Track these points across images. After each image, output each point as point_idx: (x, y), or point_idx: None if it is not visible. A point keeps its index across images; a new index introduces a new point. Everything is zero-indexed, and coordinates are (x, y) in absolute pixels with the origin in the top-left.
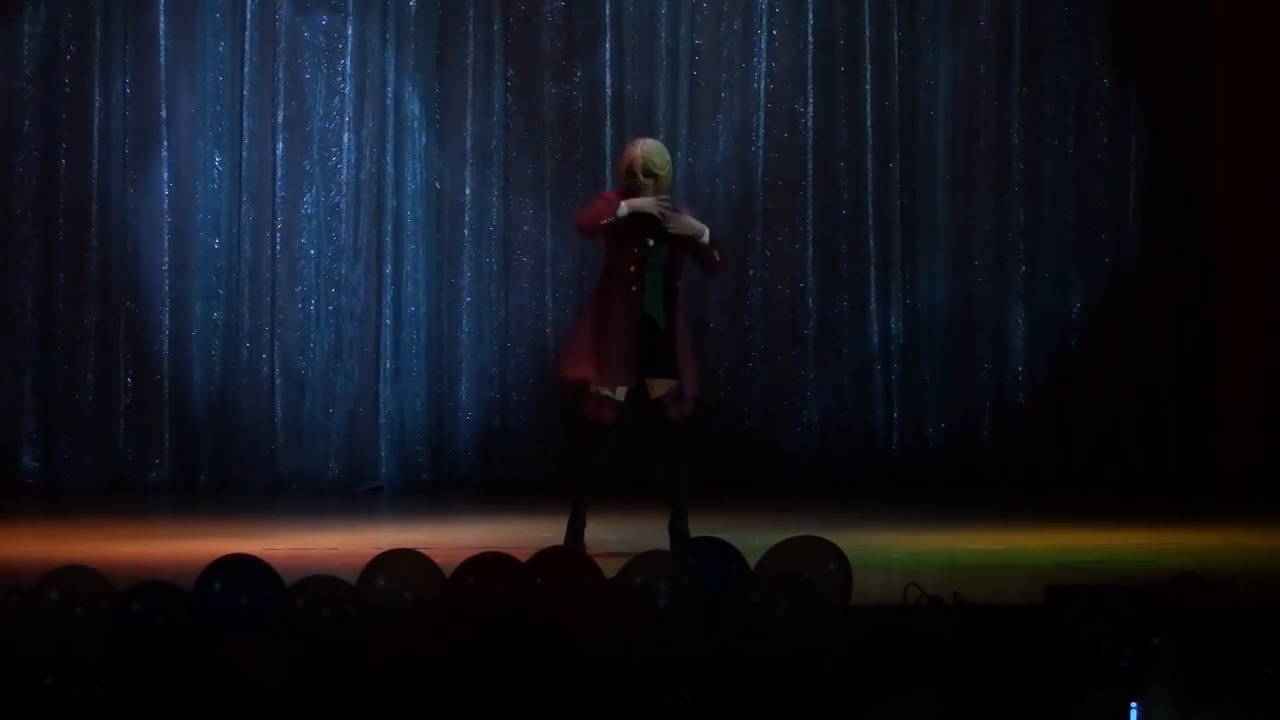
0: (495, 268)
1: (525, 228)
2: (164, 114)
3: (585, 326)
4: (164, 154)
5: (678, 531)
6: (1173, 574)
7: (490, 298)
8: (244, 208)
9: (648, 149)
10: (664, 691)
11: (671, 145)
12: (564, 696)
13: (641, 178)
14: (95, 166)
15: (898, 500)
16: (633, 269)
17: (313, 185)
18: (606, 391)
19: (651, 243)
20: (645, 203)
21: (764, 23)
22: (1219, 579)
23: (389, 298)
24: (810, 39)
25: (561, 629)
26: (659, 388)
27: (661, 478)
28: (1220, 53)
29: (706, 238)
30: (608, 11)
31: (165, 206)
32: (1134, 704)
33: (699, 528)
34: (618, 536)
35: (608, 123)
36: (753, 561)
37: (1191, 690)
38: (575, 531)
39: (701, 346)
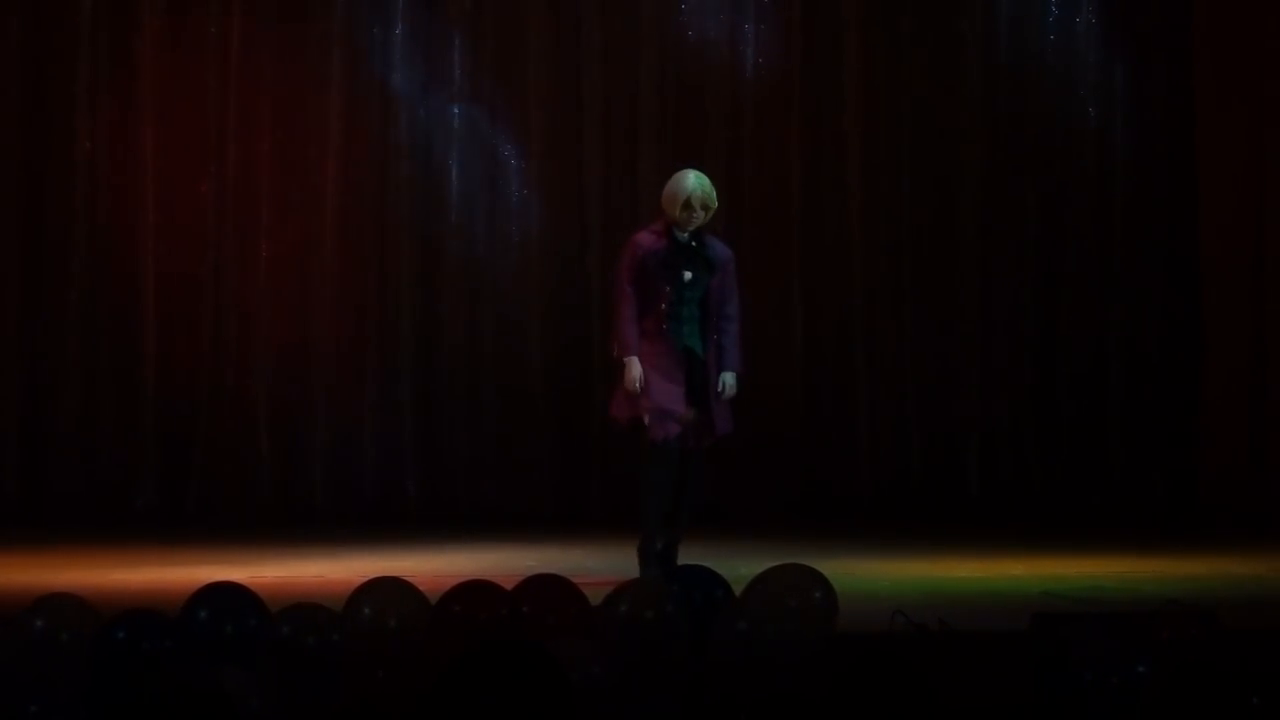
0: (482, 295)
1: (512, 255)
2: (150, 142)
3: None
4: (149, 182)
5: (666, 561)
6: (1158, 602)
7: (478, 326)
8: (229, 236)
9: (703, 181)
10: (649, 718)
11: (655, 175)
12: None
13: (698, 210)
14: (80, 194)
15: (883, 528)
16: (664, 306)
17: (299, 214)
18: (669, 408)
19: (689, 276)
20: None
21: (750, 52)
22: (1204, 607)
23: (375, 325)
24: (796, 67)
25: (546, 654)
26: (687, 416)
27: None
28: (1205, 88)
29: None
30: (595, 41)
31: (151, 234)
32: None
33: (682, 556)
34: (603, 564)
35: (596, 151)
36: (738, 589)
37: (1177, 716)
38: (649, 556)
39: None
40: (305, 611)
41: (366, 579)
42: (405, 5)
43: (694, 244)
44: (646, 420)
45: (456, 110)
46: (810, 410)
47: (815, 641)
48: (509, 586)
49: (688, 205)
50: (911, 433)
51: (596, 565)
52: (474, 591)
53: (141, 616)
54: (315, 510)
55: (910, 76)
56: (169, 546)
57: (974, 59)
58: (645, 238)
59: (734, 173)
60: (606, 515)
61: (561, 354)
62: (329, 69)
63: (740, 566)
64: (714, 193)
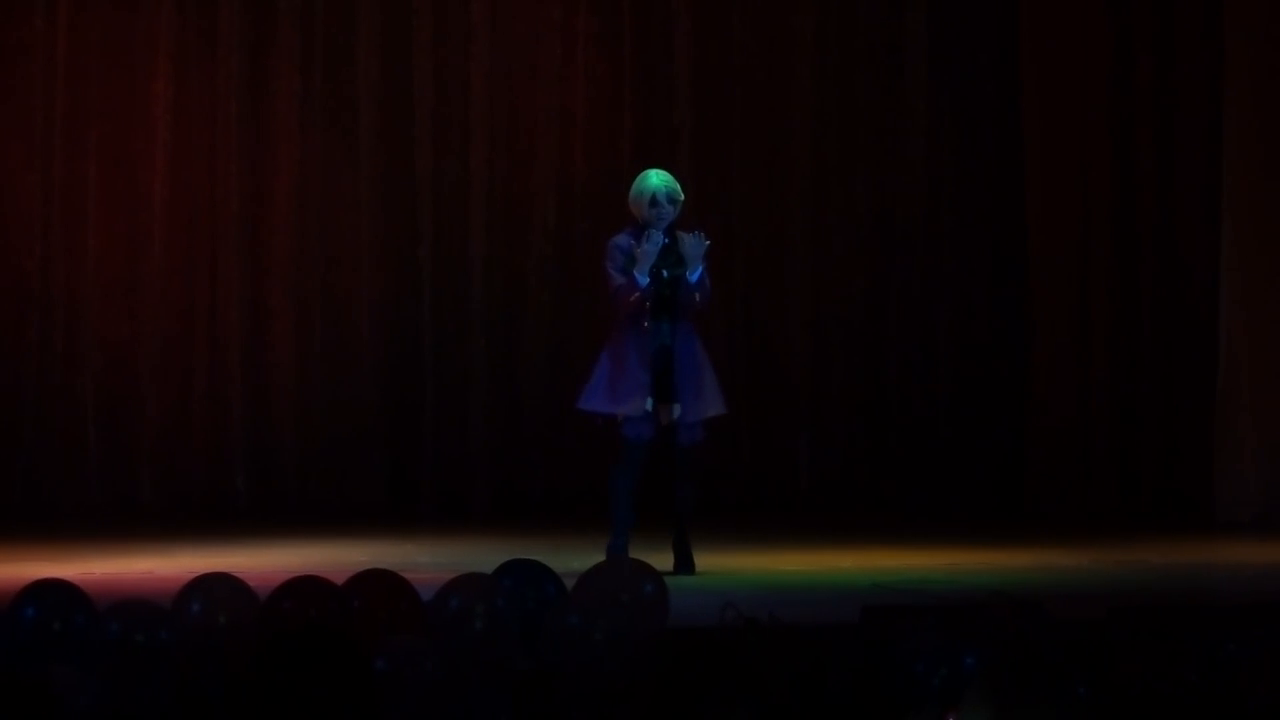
0: (313, 288)
1: (342, 247)
2: None
3: (604, 361)
4: None
5: (684, 550)
6: (986, 593)
7: (307, 318)
8: (56, 230)
9: (664, 177)
10: (480, 714)
11: (486, 170)
12: (349, 703)
13: (666, 205)
14: None
15: (714, 522)
16: (647, 304)
17: (127, 208)
18: (644, 409)
19: (666, 274)
20: (649, 254)
21: (580, 46)
22: (1031, 598)
23: (205, 320)
24: (626, 60)
25: (344, 637)
26: (668, 413)
27: (674, 502)
28: (1031, 84)
29: (695, 275)
30: (426, 34)
31: None
32: None
33: (513, 550)
34: (434, 559)
35: (425, 145)
36: (570, 584)
37: (1005, 707)
38: (622, 547)
39: (525, 364)
40: (134, 608)
41: (195, 575)
42: None
43: (667, 241)
44: (619, 418)
45: (285, 103)
46: None
47: (646, 635)
48: (339, 582)
49: (655, 203)
50: (741, 426)
51: (427, 560)
52: (304, 587)
53: None
54: (143, 506)
55: (741, 71)
56: None
57: (804, 55)
58: (623, 240)
59: (566, 169)
60: (437, 510)
61: (392, 347)
62: (157, 62)
63: (572, 561)
64: (678, 185)
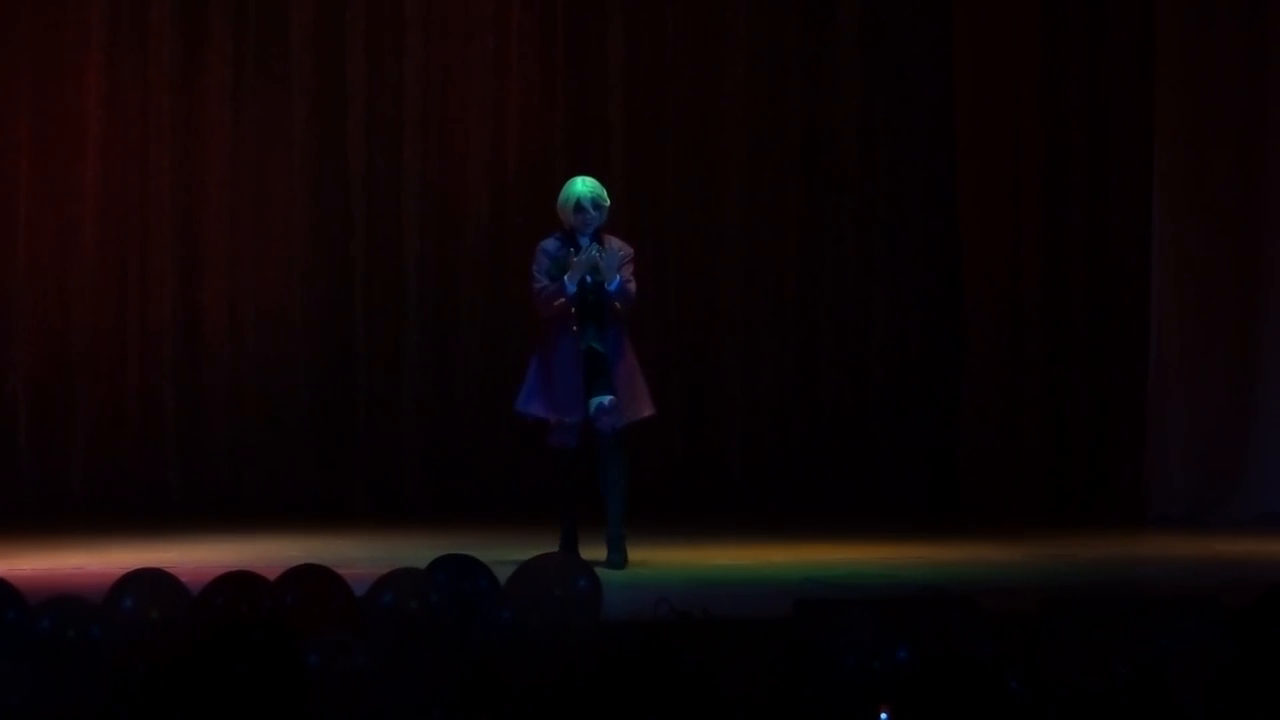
0: (245, 282)
1: (275, 241)
2: None
3: (535, 364)
4: None
5: (614, 540)
6: (918, 588)
7: (240, 314)
8: None
9: (589, 184)
10: (414, 709)
11: (419, 163)
12: (281, 698)
13: (591, 211)
14: None
15: (647, 516)
16: (573, 309)
17: (58, 202)
18: (565, 419)
19: (590, 279)
20: (583, 264)
21: (514, 40)
22: (963, 592)
23: (136, 314)
24: (559, 56)
25: (277, 633)
26: (594, 403)
27: (600, 490)
28: (964, 87)
29: (613, 285)
30: (359, 29)
31: None
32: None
33: (445, 545)
34: (367, 554)
35: (358, 140)
36: (503, 578)
37: (937, 702)
38: (571, 549)
39: (459, 358)
40: (65, 604)
41: (127, 571)
42: None
43: (601, 252)
44: (549, 421)
45: (216, 96)
46: None
47: (580, 630)
48: (272, 578)
49: (579, 208)
50: (675, 419)
51: (360, 555)
52: (236, 583)
53: None
54: (75, 501)
55: (673, 66)
56: None
57: (737, 50)
58: (550, 244)
59: (498, 165)
60: (371, 505)
61: (324, 342)
62: (89, 55)
63: (505, 555)
64: (604, 191)
